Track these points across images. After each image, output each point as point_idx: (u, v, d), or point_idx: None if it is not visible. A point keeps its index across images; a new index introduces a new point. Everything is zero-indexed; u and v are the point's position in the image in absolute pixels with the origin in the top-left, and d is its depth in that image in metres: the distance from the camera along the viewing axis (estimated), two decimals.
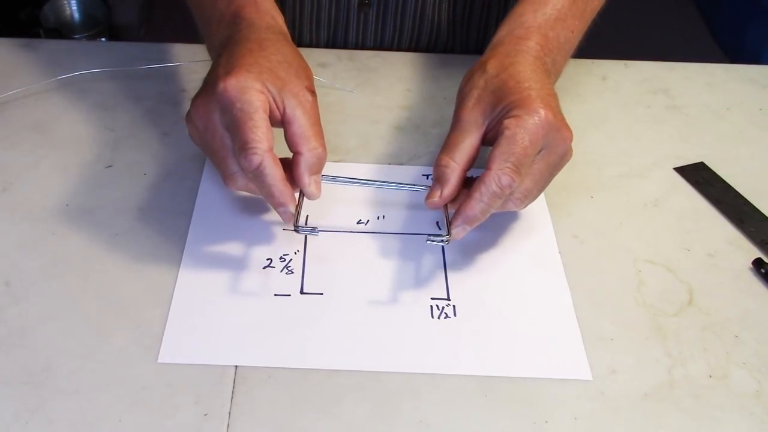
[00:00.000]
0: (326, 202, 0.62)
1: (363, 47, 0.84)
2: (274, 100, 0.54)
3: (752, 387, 0.53)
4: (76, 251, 0.59)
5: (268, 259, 0.59)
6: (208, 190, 0.64)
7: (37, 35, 1.78)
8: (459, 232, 0.55)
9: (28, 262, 0.58)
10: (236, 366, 0.52)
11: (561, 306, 0.57)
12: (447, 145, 0.57)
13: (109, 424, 0.48)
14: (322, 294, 0.57)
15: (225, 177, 0.56)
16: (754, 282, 0.61)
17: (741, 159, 0.72)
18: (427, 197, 0.57)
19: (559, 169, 0.58)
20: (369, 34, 0.84)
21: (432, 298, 0.57)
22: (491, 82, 0.57)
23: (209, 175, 0.65)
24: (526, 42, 0.60)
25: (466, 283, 0.59)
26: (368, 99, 0.76)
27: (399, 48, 0.85)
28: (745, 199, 0.67)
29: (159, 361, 0.52)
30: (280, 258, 0.59)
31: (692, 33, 2.23)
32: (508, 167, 0.53)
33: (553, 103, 0.55)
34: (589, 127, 0.74)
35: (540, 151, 0.55)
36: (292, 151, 0.56)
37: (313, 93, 0.56)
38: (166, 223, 0.61)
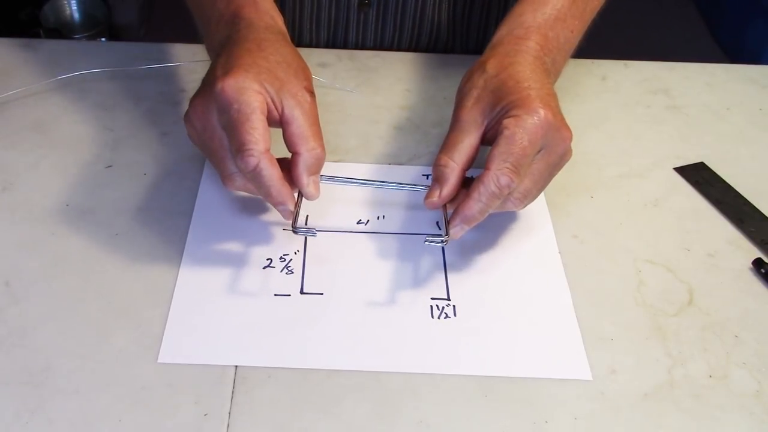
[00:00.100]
0: (326, 202, 0.62)
1: (363, 47, 0.84)
2: (273, 101, 0.54)
3: (752, 387, 0.53)
4: (76, 251, 0.59)
5: (268, 259, 0.59)
6: (208, 190, 0.64)
7: (37, 35, 1.78)
8: (457, 231, 0.55)
9: (28, 262, 0.58)
10: (236, 366, 0.52)
11: (561, 306, 0.57)
12: (446, 144, 0.57)
13: (109, 424, 0.48)
14: (322, 294, 0.57)
15: (223, 177, 0.56)
16: (754, 282, 0.61)
17: (741, 159, 0.72)
18: (426, 197, 0.57)
19: (559, 169, 0.58)
20: (369, 34, 0.84)
21: (432, 298, 0.57)
22: (491, 81, 0.57)
23: (209, 175, 0.65)
24: (525, 42, 0.60)
25: (466, 283, 0.59)
26: (368, 99, 0.76)
27: (399, 48, 0.85)
28: (745, 199, 0.67)
29: (159, 361, 0.52)
30: (280, 258, 0.59)
31: (692, 33, 2.23)
32: (507, 167, 0.53)
33: (552, 103, 0.55)
34: (589, 127, 0.74)
35: (539, 151, 0.55)
36: (290, 152, 0.55)
37: (311, 93, 0.56)
38: (166, 223, 0.61)
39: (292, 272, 0.58)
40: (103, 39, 1.85)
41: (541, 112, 0.53)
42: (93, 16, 1.89)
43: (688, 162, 0.71)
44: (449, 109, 0.60)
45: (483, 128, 0.56)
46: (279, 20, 0.61)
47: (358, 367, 0.53)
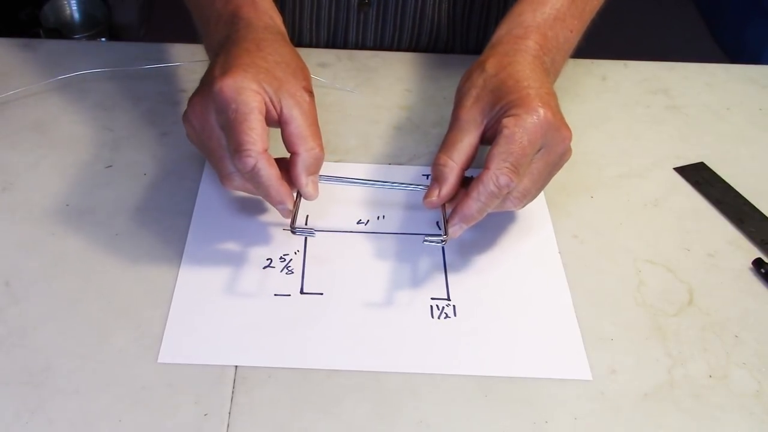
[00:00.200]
0: (326, 202, 0.62)
1: (363, 47, 0.84)
2: (271, 101, 0.54)
3: (752, 387, 0.53)
4: (76, 251, 0.59)
5: (268, 259, 0.59)
6: (208, 190, 0.64)
7: (37, 35, 1.78)
8: (456, 230, 0.55)
9: (28, 262, 0.58)
10: (236, 366, 0.52)
11: (561, 306, 0.57)
12: (445, 144, 0.57)
13: (109, 424, 0.48)
14: (322, 294, 0.57)
15: (222, 177, 0.56)
16: (754, 282, 0.60)
17: (741, 159, 0.72)
18: (425, 196, 0.57)
19: (558, 169, 0.58)
20: (369, 34, 0.84)
21: (432, 298, 0.57)
22: (490, 81, 0.57)
23: (209, 175, 0.65)
24: (524, 41, 0.60)
25: (466, 283, 0.59)
26: (368, 99, 0.76)
27: (399, 48, 0.85)
28: (745, 199, 0.67)
29: (159, 361, 0.52)
30: (280, 258, 0.59)
31: (692, 33, 2.23)
32: (507, 167, 0.53)
33: (552, 102, 0.55)
34: (589, 127, 0.74)
35: (539, 151, 0.55)
36: (289, 152, 0.55)
37: (310, 93, 0.56)
38: (166, 223, 0.61)
39: (292, 272, 0.58)
40: (103, 39, 1.85)
41: (541, 111, 0.53)
42: (93, 16, 1.89)
43: (688, 162, 0.71)
44: (449, 109, 0.60)
45: (482, 127, 0.56)
46: (278, 20, 0.61)
47: (358, 367, 0.53)
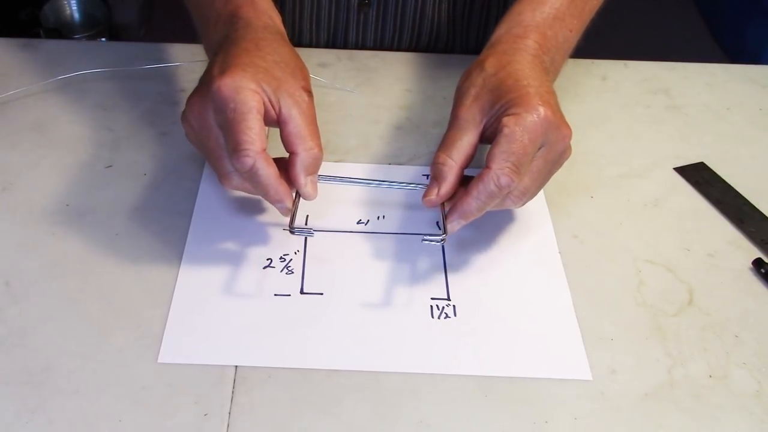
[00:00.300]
0: (326, 202, 0.62)
1: (363, 47, 0.84)
2: (270, 100, 0.54)
3: (752, 387, 0.53)
4: (76, 251, 0.59)
5: (268, 259, 0.59)
6: (208, 190, 0.64)
7: (37, 35, 1.78)
8: (454, 226, 0.55)
9: (28, 262, 0.58)
10: (236, 366, 0.52)
11: (561, 306, 0.57)
12: (444, 142, 0.57)
13: (109, 424, 0.48)
14: (322, 294, 0.57)
15: (220, 176, 0.56)
16: (754, 282, 0.60)
17: (741, 159, 0.72)
18: (425, 195, 0.57)
19: (558, 167, 0.58)
20: (369, 34, 0.84)
21: (432, 298, 0.57)
22: (489, 80, 0.57)
23: (209, 175, 0.65)
24: (524, 41, 0.60)
25: (466, 283, 0.59)
26: (368, 99, 0.76)
27: (399, 48, 0.85)
28: (745, 199, 0.67)
29: (159, 361, 0.52)
30: (280, 258, 0.59)
31: (692, 33, 2.23)
32: (509, 167, 0.53)
33: (551, 101, 0.55)
34: (589, 127, 0.74)
35: (539, 149, 0.55)
36: (288, 151, 0.55)
37: (309, 93, 0.56)
38: (166, 223, 0.61)
39: (292, 272, 0.58)
40: (103, 39, 1.85)
41: (541, 109, 0.53)
42: (93, 16, 1.89)
43: (688, 162, 0.71)
44: (449, 108, 0.60)
45: (481, 126, 0.56)
46: (277, 20, 0.61)
47: (358, 367, 0.53)
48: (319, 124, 0.56)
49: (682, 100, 0.79)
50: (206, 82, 0.54)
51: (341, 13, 0.82)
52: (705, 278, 0.60)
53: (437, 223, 0.63)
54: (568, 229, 0.64)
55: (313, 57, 0.79)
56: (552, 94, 0.56)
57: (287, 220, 0.55)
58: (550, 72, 0.60)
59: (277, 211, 0.56)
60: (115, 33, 1.92)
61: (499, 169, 0.52)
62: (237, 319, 0.55)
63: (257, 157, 0.52)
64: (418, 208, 0.64)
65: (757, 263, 0.61)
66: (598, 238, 0.63)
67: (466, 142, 0.56)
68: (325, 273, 0.59)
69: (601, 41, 0.77)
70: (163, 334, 0.53)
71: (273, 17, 0.61)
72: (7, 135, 0.69)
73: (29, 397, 0.50)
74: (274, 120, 0.55)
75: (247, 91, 0.52)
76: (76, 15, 1.90)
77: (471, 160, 0.57)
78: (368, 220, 0.63)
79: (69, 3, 1.89)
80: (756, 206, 0.66)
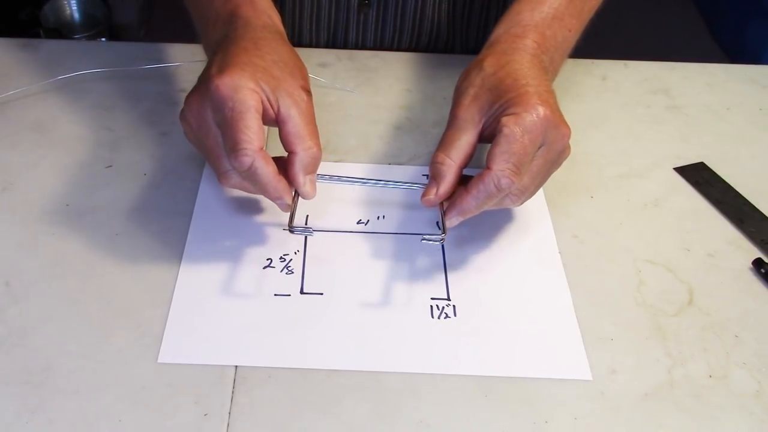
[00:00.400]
0: (326, 202, 0.62)
1: (363, 47, 0.84)
2: (268, 99, 0.54)
3: (752, 387, 0.53)
4: (76, 251, 0.59)
5: (268, 259, 0.59)
6: (208, 190, 0.64)
7: (37, 35, 1.78)
8: (452, 221, 0.55)
9: (28, 262, 0.58)
10: (236, 366, 0.52)
11: (561, 306, 0.57)
12: (443, 142, 0.57)
13: (109, 424, 0.48)
14: (322, 294, 0.57)
15: (219, 175, 0.56)
16: (754, 282, 0.60)
17: (741, 159, 0.72)
18: (423, 194, 0.57)
19: (557, 166, 0.58)
20: (369, 34, 0.84)
21: (432, 298, 0.57)
22: (488, 79, 0.57)
23: (209, 175, 0.65)
24: (523, 40, 0.60)
25: (466, 283, 0.59)
26: (368, 99, 0.76)
27: (399, 48, 0.85)
28: (745, 199, 0.67)
29: (159, 361, 0.52)
30: (280, 258, 0.59)
31: (692, 33, 2.23)
32: (509, 168, 0.53)
33: (550, 100, 0.55)
34: (589, 127, 0.74)
35: (539, 148, 0.55)
36: (286, 151, 0.55)
37: (308, 92, 0.56)
38: (166, 223, 0.61)
39: (292, 272, 0.58)
40: (103, 39, 1.85)
41: (540, 109, 0.53)
42: (93, 16, 1.89)
43: (688, 162, 0.71)
44: (449, 108, 0.60)
45: (480, 126, 0.56)
46: (276, 19, 0.61)
47: (358, 367, 0.53)
48: (319, 124, 0.56)
49: (682, 100, 0.79)
50: (205, 80, 0.54)
51: (341, 13, 0.82)
52: (705, 278, 0.60)
53: (437, 222, 0.63)
54: (568, 229, 0.64)
55: (313, 57, 0.79)
56: (551, 93, 0.56)
57: (287, 220, 0.55)
58: (549, 71, 0.60)
59: (277, 212, 0.56)
60: (115, 33, 1.92)
61: (500, 171, 0.53)
62: (237, 319, 0.55)
63: (255, 156, 0.52)
64: (418, 208, 0.63)
65: (757, 263, 0.61)
66: (598, 238, 0.63)
67: (464, 141, 0.56)
68: (325, 273, 0.59)
69: (601, 41, 0.77)
70: (163, 334, 0.53)
71: (272, 17, 0.61)
72: (7, 135, 0.69)
73: (29, 397, 0.50)
74: (272, 119, 0.55)
75: (245, 90, 0.52)
76: (76, 15, 1.90)
77: (470, 160, 0.57)
78: (368, 220, 0.63)
79: (69, 3, 1.89)
80: (756, 206, 0.66)
